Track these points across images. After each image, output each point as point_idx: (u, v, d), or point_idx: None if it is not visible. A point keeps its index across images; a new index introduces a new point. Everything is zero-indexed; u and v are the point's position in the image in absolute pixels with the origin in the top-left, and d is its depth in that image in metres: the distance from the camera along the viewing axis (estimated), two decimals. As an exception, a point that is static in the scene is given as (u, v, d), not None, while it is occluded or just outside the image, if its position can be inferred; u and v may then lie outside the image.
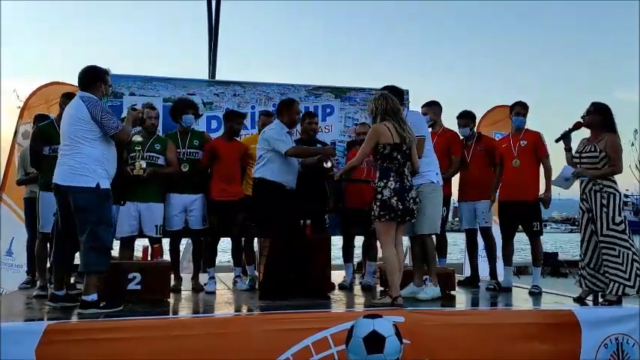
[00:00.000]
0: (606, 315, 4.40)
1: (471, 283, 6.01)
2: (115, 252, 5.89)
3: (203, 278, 5.62)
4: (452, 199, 6.32)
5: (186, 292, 5.43)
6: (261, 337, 3.81)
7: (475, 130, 6.22)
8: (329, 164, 5.24)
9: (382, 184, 4.39)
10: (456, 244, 12.40)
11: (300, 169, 5.44)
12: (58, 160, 4.27)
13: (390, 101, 4.53)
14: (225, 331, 3.82)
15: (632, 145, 27.28)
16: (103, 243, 4.20)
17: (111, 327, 3.71)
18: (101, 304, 4.15)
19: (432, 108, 5.96)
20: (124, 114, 5.22)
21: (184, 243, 7.29)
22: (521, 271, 11.68)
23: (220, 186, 5.46)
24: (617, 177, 4.79)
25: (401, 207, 4.35)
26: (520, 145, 5.58)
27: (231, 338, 3.78)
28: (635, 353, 4.29)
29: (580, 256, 4.96)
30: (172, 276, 5.35)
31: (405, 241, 5.10)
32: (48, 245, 5.06)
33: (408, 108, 5.57)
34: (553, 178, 5.19)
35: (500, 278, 5.79)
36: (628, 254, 4.60)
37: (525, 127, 5.70)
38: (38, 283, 5.25)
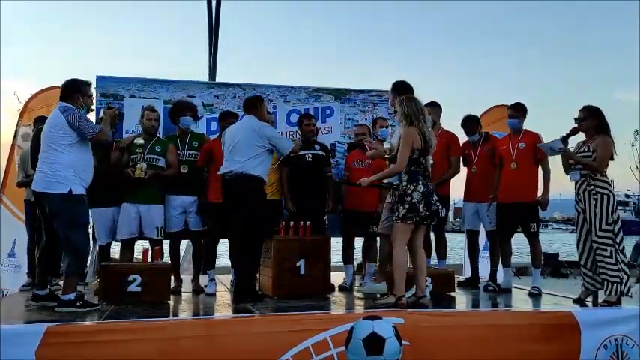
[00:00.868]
0: (606, 316, 4.40)
1: (471, 284, 6.01)
2: (116, 254, 5.91)
3: (203, 280, 5.62)
4: (452, 199, 6.29)
5: (186, 293, 5.44)
6: (261, 338, 3.81)
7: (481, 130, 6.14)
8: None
9: (412, 187, 4.44)
10: (457, 245, 12.40)
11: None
12: (37, 167, 4.40)
13: (415, 102, 4.57)
14: (226, 333, 3.83)
15: (633, 145, 27.06)
16: (77, 246, 4.31)
17: (111, 329, 3.72)
18: (77, 304, 4.27)
19: (433, 109, 5.92)
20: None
21: (185, 244, 7.29)
22: (521, 271, 11.68)
23: (217, 188, 5.44)
24: (617, 177, 4.84)
25: (427, 211, 4.42)
26: (519, 148, 5.55)
27: (231, 340, 3.78)
28: (635, 354, 4.28)
29: (578, 256, 4.98)
30: (172, 277, 5.36)
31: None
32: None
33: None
34: (543, 144, 5.25)
35: (500, 280, 5.79)
36: (618, 256, 4.63)
37: (524, 129, 5.67)
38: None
